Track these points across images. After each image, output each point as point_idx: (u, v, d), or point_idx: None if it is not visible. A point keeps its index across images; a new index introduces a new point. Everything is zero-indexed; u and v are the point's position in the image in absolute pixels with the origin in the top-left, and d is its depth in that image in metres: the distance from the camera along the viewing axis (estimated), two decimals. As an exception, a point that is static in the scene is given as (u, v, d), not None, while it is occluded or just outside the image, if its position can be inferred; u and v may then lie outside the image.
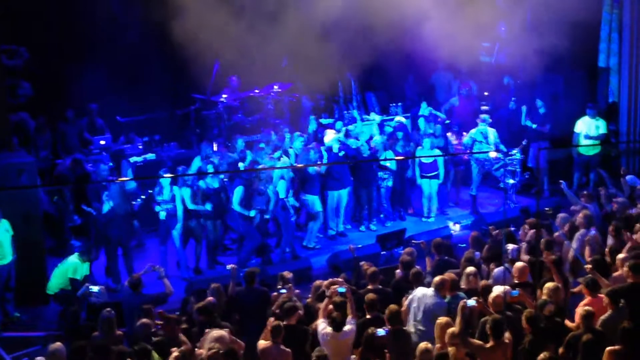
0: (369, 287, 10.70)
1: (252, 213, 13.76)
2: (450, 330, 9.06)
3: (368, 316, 9.88)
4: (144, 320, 9.88)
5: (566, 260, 11.75)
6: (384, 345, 9.20)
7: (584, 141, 16.13)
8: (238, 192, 13.83)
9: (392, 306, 9.67)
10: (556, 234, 12.39)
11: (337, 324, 9.49)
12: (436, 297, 10.04)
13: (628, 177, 14.51)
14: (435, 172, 15.81)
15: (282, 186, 14.12)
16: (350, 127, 15.78)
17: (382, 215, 15.97)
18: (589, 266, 10.43)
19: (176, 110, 17.31)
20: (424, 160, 15.55)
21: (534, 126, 16.49)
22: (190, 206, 13.58)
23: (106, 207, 13.24)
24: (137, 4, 15.99)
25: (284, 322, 9.64)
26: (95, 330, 9.86)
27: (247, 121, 17.17)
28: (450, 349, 8.86)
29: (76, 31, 16.24)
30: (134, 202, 13.45)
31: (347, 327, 9.54)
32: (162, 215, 13.61)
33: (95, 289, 11.19)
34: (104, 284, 12.88)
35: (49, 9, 16.39)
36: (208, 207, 13.71)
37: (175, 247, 13.85)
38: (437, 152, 15.59)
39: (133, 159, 15.48)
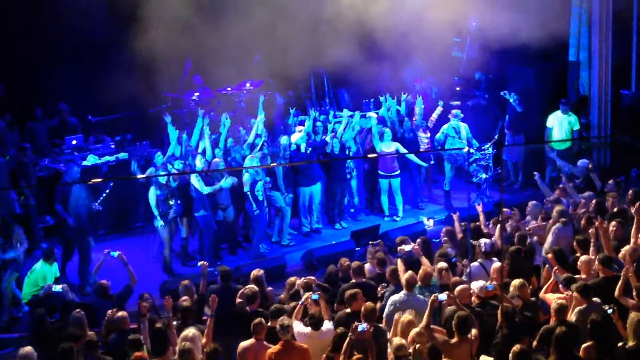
0: (353, 281, 10.71)
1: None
2: (415, 329, 9.03)
3: (348, 310, 9.81)
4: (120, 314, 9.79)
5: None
6: (365, 340, 9.03)
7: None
8: (199, 177, 13.82)
9: (369, 304, 9.60)
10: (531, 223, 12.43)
11: (315, 323, 9.44)
12: (413, 296, 10.02)
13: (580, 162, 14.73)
14: (397, 172, 15.76)
15: (247, 180, 13.99)
16: (318, 123, 15.67)
17: (352, 210, 15.96)
18: (556, 268, 10.39)
19: (148, 109, 17.15)
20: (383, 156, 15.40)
21: (512, 99, 16.54)
22: (155, 211, 13.53)
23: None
24: (105, 2, 15.85)
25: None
26: (64, 331, 9.69)
27: (220, 119, 17.03)
28: (412, 348, 8.77)
29: (44, 29, 16.06)
30: (94, 205, 13.42)
31: (325, 327, 9.50)
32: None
33: (58, 288, 11.04)
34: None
35: (16, 7, 16.19)
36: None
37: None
38: (400, 147, 15.49)
39: (105, 159, 15.37)
